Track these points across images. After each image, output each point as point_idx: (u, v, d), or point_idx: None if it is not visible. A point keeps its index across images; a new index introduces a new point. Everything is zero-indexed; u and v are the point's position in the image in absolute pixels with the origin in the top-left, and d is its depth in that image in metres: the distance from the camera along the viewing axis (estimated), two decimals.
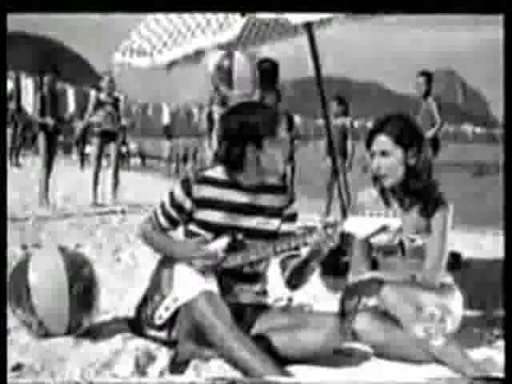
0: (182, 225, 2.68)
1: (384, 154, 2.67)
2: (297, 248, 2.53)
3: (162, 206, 2.66)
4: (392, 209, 2.73)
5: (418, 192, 2.70)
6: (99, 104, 8.43)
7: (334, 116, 8.20)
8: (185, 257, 2.55)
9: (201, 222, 2.60)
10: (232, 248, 2.55)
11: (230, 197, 2.59)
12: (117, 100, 8.57)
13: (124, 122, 8.82)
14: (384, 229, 2.33)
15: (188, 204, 2.59)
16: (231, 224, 2.58)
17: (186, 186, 2.59)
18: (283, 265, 2.65)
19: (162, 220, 2.66)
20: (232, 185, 2.60)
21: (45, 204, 7.93)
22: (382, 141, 2.67)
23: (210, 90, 7.77)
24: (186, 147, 29.79)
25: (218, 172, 2.62)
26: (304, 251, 2.56)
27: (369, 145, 2.72)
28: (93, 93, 8.65)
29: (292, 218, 2.69)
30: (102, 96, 8.49)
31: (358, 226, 2.36)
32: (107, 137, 8.44)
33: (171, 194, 2.63)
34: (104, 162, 8.79)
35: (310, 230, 2.44)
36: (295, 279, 2.63)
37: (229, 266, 2.54)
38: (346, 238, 2.50)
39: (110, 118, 8.42)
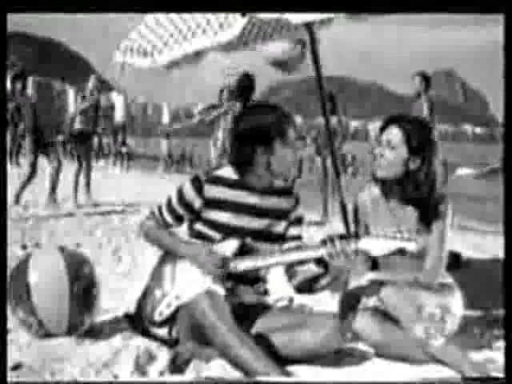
0: (188, 223, 2.68)
1: (390, 145, 2.66)
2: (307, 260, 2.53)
3: (169, 202, 2.65)
4: (390, 210, 2.73)
5: (414, 200, 2.68)
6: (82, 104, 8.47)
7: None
8: (190, 259, 2.55)
9: (209, 221, 2.59)
10: (240, 252, 2.55)
11: (239, 198, 2.59)
12: (97, 102, 8.61)
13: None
14: (399, 252, 2.35)
15: (198, 203, 2.59)
16: (239, 225, 2.58)
17: (198, 185, 2.58)
18: (291, 272, 2.64)
19: (167, 216, 2.66)
20: (242, 186, 2.60)
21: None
22: (393, 132, 2.67)
23: (219, 91, 7.76)
24: (184, 147, 29.82)
25: (229, 172, 2.62)
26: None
27: (380, 134, 2.72)
28: (71, 91, 8.71)
29: (299, 221, 2.70)
30: (86, 96, 8.53)
31: (374, 246, 2.38)
32: (84, 137, 8.44)
33: (180, 191, 2.62)
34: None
35: (322, 242, 2.44)
36: (306, 288, 2.62)
37: (236, 272, 2.54)
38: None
39: (84, 118, 8.44)
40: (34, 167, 7.76)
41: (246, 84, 6.27)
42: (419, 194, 2.66)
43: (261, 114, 2.55)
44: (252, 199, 2.60)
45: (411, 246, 2.34)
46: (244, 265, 2.53)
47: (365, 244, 2.39)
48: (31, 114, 7.80)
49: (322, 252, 2.43)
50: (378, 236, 2.40)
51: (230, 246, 2.55)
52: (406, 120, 2.70)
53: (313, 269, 2.57)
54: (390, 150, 2.66)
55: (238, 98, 6.26)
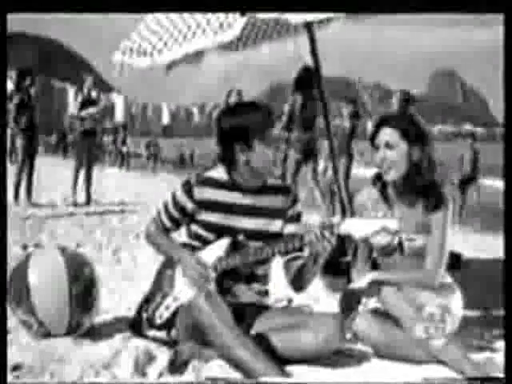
0: (185, 225, 2.69)
1: (389, 146, 2.66)
2: (300, 249, 2.53)
3: (165, 206, 2.67)
4: (390, 209, 2.73)
5: (420, 189, 2.70)
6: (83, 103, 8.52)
7: (346, 117, 8.18)
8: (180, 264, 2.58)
9: (203, 223, 2.60)
10: (232, 249, 2.55)
11: (230, 198, 2.59)
12: (95, 100, 8.65)
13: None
14: (381, 231, 2.33)
15: (190, 206, 2.60)
16: (233, 225, 2.58)
17: (188, 188, 2.59)
18: (287, 267, 2.65)
19: (165, 220, 2.68)
20: (232, 186, 2.60)
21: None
22: (388, 133, 2.67)
23: (227, 94, 7.76)
24: (183, 147, 29.86)
25: (220, 172, 2.62)
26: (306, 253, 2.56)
27: (373, 138, 2.72)
28: (71, 91, 8.77)
29: (296, 218, 2.68)
30: (84, 95, 8.56)
31: (355, 227, 2.36)
32: (87, 136, 8.47)
33: (174, 195, 2.63)
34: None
35: (307, 231, 2.44)
36: (298, 281, 2.63)
37: (227, 268, 2.54)
38: (345, 238, 2.50)
39: (87, 118, 8.48)
40: (23, 165, 7.86)
41: (303, 76, 6.40)
42: (424, 181, 2.67)
43: (240, 113, 2.56)
44: (244, 199, 2.60)
45: (393, 225, 2.33)
46: (234, 261, 2.53)
47: (347, 227, 2.37)
48: (29, 112, 7.87)
49: (305, 240, 2.42)
50: (360, 216, 2.39)
51: (221, 244, 2.55)
52: (394, 117, 2.73)
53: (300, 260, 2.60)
54: (391, 151, 2.66)
55: (297, 90, 6.41)
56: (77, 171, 8.50)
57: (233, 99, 7.71)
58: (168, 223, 2.68)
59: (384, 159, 2.68)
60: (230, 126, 2.53)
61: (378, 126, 2.72)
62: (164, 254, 2.70)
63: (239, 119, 2.52)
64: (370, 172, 2.90)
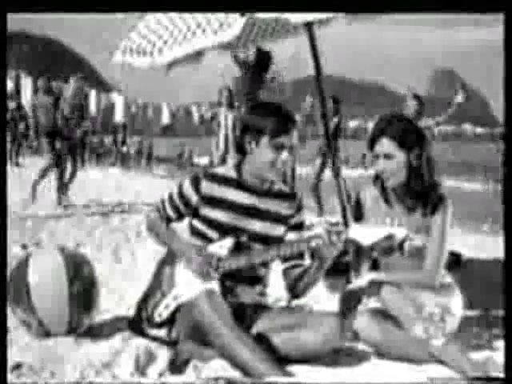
0: (188, 220, 2.69)
1: (387, 157, 2.66)
2: (301, 255, 2.53)
3: (170, 196, 2.67)
4: (397, 216, 2.72)
5: (419, 192, 2.70)
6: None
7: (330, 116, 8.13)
8: (180, 255, 2.58)
9: (205, 218, 2.60)
10: (235, 249, 2.55)
11: (236, 197, 2.59)
12: (81, 102, 8.63)
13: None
14: (389, 238, 2.33)
15: (195, 199, 2.60)
16: (236, 225, 2.58)
17: (195, 182, 2.60)
18: (286, 274, 2.65)
19: (169, 210, 2.68)
20: (240, 185, 2.60)
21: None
22: (386, 144, 2.66)
23: (219, 92, 7.75)
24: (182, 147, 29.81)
25: (229, 170, 2.63)
26: (307, 261, 2.56)
27: (372, 146, 2.71)
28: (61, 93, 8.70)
29: (299, 226, 2.68)
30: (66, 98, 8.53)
31: (363, 234, 2.36)
32: (52, 136, 8.44)
33: (180, 186, 2.64)
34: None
35: (314, 236, 2.43)
36: (295, 289, 2.63)
37: (231, 268, 2.54)
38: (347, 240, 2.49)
39: (49, 118, 8.45)
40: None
41: (260, 59, 6.32)
42: (422, 181, 2.68)
43: (248, 112, 2.62)
44: (249, 200, 2.60)
45: (400, 233, 2.33)
46: (239, 262, 2.52)
47: (354, 233, 2.37)
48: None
49: (311, 245, 2.42)
50: (367, 223, 2.39)
51: (225, 244, 2.55)
52: (390, 126, 2.68)
53: (301, 266, 2.61)
54: (390, 161, 2.66)
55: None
56: (59, 171, 8.52)
57: (224, 97, 7.73)
58: (171, 213, 2.68)
59: (384, 170, 2.68)
60: (249, 121, 2.56)
61: (374, 136, 2.71)
62: (164, 243, 2.69)
63: (243, 119, 2.56)
64: (356, 173, 2.91)
